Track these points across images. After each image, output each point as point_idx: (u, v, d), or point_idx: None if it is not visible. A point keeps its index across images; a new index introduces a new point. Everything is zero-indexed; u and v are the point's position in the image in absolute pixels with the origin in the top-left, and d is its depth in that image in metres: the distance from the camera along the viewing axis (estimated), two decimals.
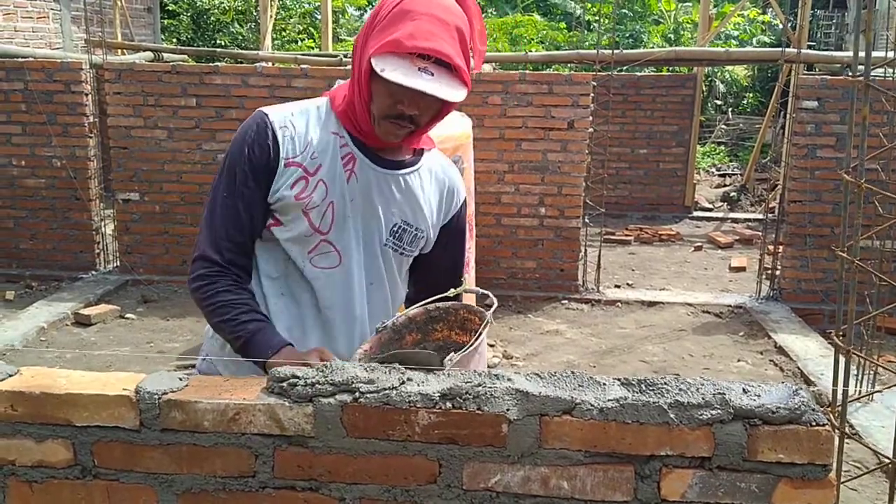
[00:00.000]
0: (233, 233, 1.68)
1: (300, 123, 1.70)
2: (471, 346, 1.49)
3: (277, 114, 1.70)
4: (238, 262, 1.69)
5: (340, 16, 17.73)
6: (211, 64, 6.94)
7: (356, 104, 1.66)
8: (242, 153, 1.66)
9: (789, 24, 8.26)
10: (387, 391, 1.21)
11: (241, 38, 13.76)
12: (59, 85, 6.13)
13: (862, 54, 1.90)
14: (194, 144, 6.14)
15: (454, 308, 1.73)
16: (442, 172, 1.82)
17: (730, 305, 5.98)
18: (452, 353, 1.49)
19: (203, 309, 1.68)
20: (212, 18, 13.88)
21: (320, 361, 1.47)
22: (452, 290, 1.76)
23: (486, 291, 1.77)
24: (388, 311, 1.78)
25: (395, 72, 1.52)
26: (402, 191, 1.73)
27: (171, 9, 13.74)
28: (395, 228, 1.74)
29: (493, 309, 1.63)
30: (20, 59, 6.32)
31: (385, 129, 1.63)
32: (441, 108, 1.65)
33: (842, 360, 1.90)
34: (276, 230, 1.68)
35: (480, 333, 1.53)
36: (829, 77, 5.96)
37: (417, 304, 1.70)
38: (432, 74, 1.55)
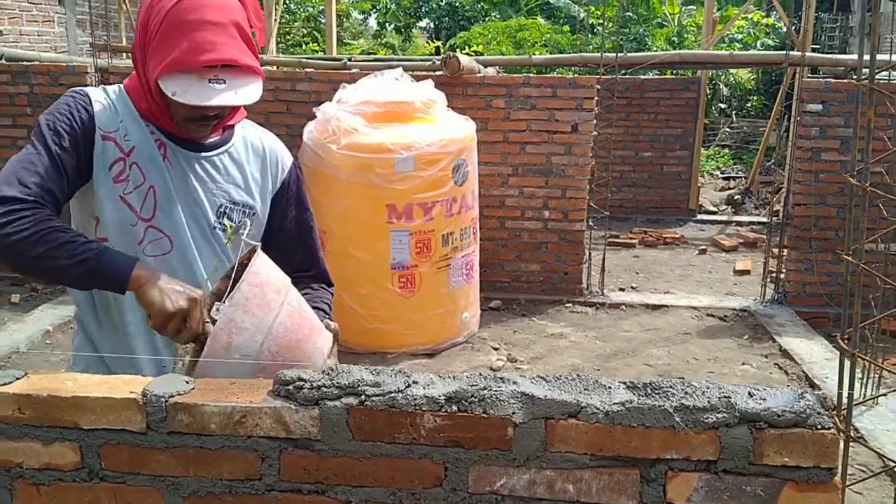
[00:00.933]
0: (42, 176, 1.51)
1: (113, 103, 1.67)
2: (230, 292, 1.45)
3: (94, 90, 1.68)
4: (48, 200, 1.51)
5: (344, 19, 17.78)
6: None
7: (154, 111, 1.64)
8: (60, 116, 1.59)
9: (793, 28, 8.26)
10: (392, 394, 1.21)
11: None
12: (64, 88, 6.11)
13: (867, 57, 1.91)
14: None
15: (238, 263, 1.61)
16: (259, 143, 1.81)
17: (734, 309, 5.98)
18: (217, 304, 1.46)
19: (17, 246, 1.44)
20: None
21: (184, 302, 1.46)
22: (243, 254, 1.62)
23: (253, 244, 1.61)
24: None
25: (186, 94, 1.52)
26: (219, 171, 1.72)
27: None
28: (222, 209, 1.72)
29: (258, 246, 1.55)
30: (25, 63, 6.34)
31: (191, 129, 1.65)
32: None
33: (847, 363, 1.90)
34: (99, 228, 1.64)
35: (240, 277, 1.47)
36: (834, 80, 5.95)
37: (219, 279, 1.62)
38: (223, 82, 1.54)
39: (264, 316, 1.46)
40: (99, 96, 1.66)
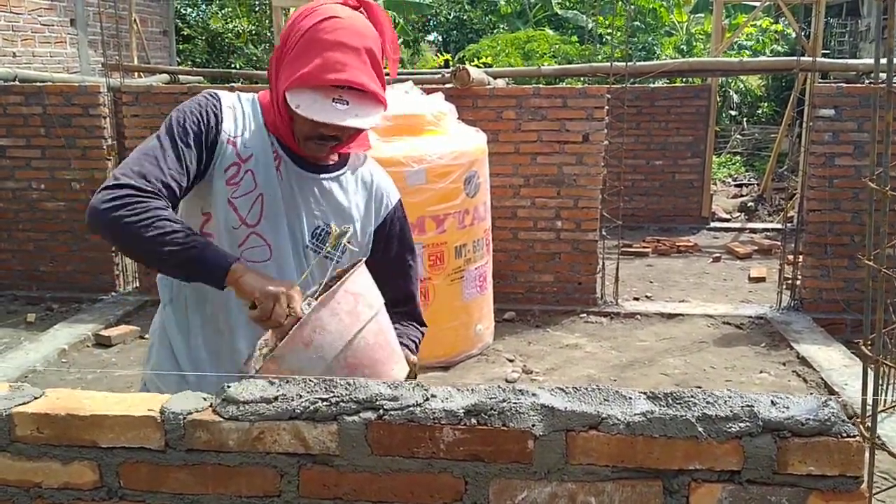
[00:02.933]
0: (163, 169, 1.57)
1: (245, 109, 1.72)
2: (322, 292, 1.49)
3: (226, 94, 1.73)
4: (165, 193, 1.56)
5: None
6: (227, 84, 7.00)
7: (279, 124, 1.68)
8: (190, 114, 1.66)
9: (803, 33, 8.23)
10: (411, 408, 1.20)
11: (255, 58, 13.87)
12: (77, 108, 6.19)
13: (883, 61, 1.89)
14: None
15: (333, 278, 1.67)
16: (369, 176, 1.84)
17: (750, 316, 5.93)
18: (309, 299, 1.52)
19: (125, 229, 1.49)
20: (226, 41, 14.01)
21: (285, 288, 1.48)
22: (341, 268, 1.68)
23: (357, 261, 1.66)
24: None
25: (309, 108, 1.56)
26: (325, 194, 1.75)
27: (186, 33, 13.89)
28: (318, 231, 1.74)
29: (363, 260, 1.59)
30: (38, 84, 6.40)
31: (310, 148, 1.68)
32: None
33: (870, 370, 1.87)
34: (208, 225, 1.68)
35: (339, 282, 1.52)
36: (846, 85, 5.92)
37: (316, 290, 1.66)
38: (347, 103, 1.58)
39: (350, 325, 1.48)
40: (230, 101, 1.72)
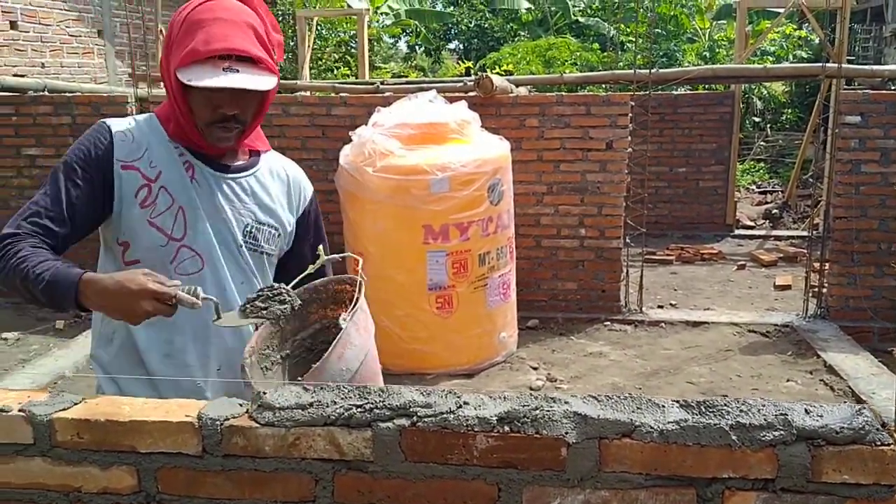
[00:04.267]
0: (41, 213, 1.64)
1: (139, 132, 1.75)
2: (354, 309, 1.60)
3: (117, 122, 1.77)
4: (42, 234, 1.63)
5: (376, 44, 17.96)
6: None
7: (181, 121, 1.72)
8: (76, 152, 1.70)
9: (827, 39, 8.18)
10: (444, 415, 1.21)
11: (279, 67, 13.98)
12: (105, 118, 6.27)
13: None
14: None
15: (323, 285, 1.79)
16: (283, 171, 1.90)
17: (776, 324, 5.88)
18: (343, 314, 1.61)
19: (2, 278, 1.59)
20: None
21: (135, 285, 1.49)
22: (311, 266, 1.78)
23: (343, 254, 1.85)
24: None
25: (201, 80, 1.60)
26: (246, 192, 1.80)
27: None
28: (249, 229, 1.80)
29: (360, 265, 1.70)
30: (67, 94, 6.50)
31: (214, 135, 1.70)
32: (261, 102, 1.74)
33: None
34: (128, 252, 1.71)
35: (358, 298, 1.63)
36: (872, 91, 5.88)
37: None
38: (237, 71, 1.62)
39: (367, 339, 1.61)
40: (122, 126, 1.75)
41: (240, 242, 1.78)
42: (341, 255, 1.90)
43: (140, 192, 1.70)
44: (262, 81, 1.65)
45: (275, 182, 1.86)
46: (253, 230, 1.80)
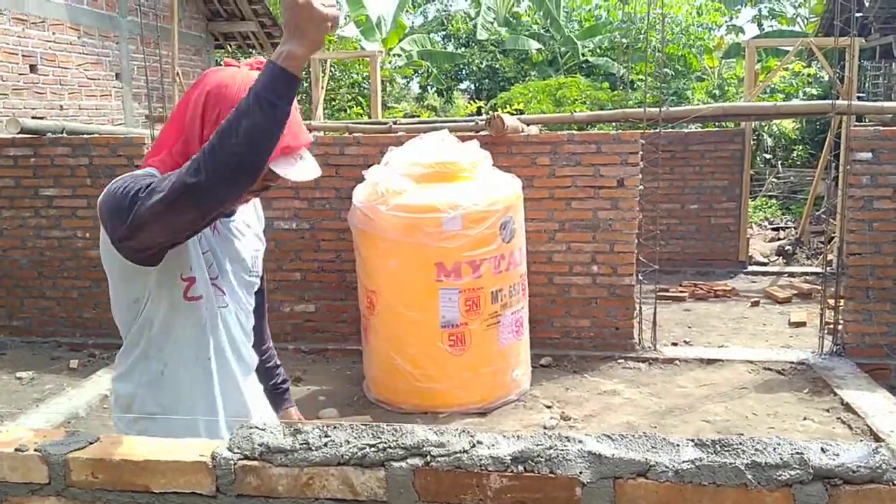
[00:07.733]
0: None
1: None
2: None
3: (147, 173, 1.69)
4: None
5: (388, 84, 18.16)
6: None
7: None
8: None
9: (837, 77, 8.22)
10: (458, 454, 1.21)
11: None
12: (122, 159, 6.35)
13: None
14: None
15: None
16: (251, 204, 2.00)
17: (792, 362, 5.83)
18: None
19: (231, 159, 1.44)
20: None
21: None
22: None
23: None
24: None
25: (292, 172, 1.67)
26: (242, 228, 1.91)
27: None
28: (254, 258, 1.94)
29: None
30: (85, 136, 6.59)
31: (246, 199, 1.83)
32: None
33: None
34: (193, 288, 1.76)
35: None
36: (883, 128, 5.89)
37: None
38: (303, 157, 1.71)
39: None
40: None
41: (251, 270, 1.92)
42: None
43: None
44: (317, 167, 1.74)
45: (253, 214, 1.98)
46: (255, 258, 1.94)
